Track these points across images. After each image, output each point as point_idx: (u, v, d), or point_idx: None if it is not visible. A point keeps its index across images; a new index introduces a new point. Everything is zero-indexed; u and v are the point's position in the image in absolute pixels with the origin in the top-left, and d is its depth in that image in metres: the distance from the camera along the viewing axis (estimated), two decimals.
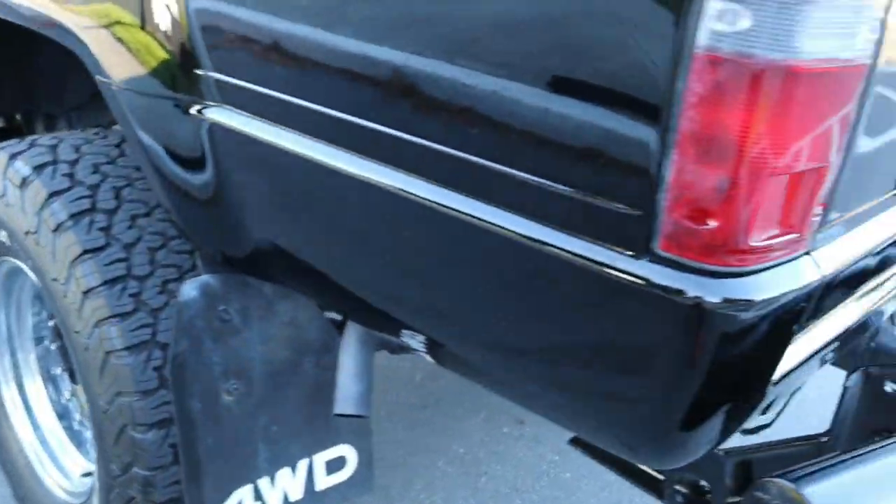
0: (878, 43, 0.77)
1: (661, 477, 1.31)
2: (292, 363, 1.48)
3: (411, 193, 0.98)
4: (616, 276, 0.83)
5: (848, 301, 1.04)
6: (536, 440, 2.47)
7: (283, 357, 1.47)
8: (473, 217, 0.92)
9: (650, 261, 0.81)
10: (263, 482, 1.51)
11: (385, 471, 2.28)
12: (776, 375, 0.94)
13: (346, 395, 1.38)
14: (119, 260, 1.43)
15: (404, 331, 1.17)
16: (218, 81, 1.18)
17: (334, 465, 1.60)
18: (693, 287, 0.79)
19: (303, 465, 1.56)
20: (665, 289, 0.80)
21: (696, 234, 0.78)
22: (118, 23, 1.32)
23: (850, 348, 1.61)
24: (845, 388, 1.06)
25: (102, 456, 1.54)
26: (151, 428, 1.45)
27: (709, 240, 0.78)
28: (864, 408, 1.06)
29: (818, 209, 0.82)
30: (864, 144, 0.89)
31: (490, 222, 0.91)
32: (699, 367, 0.84)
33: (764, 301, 0.81)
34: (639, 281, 0.81)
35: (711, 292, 0.79)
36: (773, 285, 0.81)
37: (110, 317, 1.41)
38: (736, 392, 0.90)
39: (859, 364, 1.62)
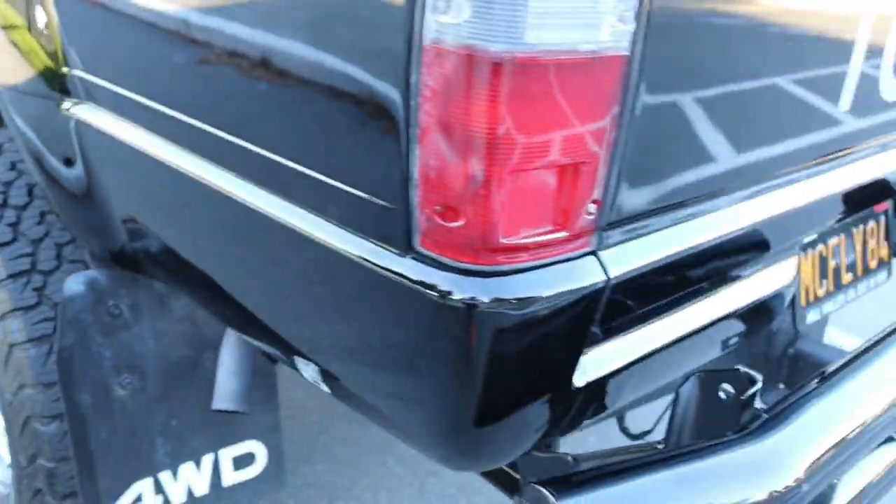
0: (640, 35, 0.74)
1: (516, 476, 1.28)
2: (190, 359, 1.48)
3: (231, 192, 0.98)
4: (386, 275, 0.81)
5: (686, 301, 1.00)
6: None
7: (179, 353, 1.47)
8: (271, 213, 0.92)
9: (413, 258, 0.79)
10: (165, 476, 1.52)
11: (332, 468, 2.28)
12: (591, 377, 0.92)
13: (224, 392, 1.39)
14: (25, 255, 1.46)
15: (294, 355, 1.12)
16: (82, 79, 1.20)
17: (242, 462, 1.60)
18: (454, 286, 0.77)
19: (207, 460, 1.57)
20: (429, 287, 0.78)
21: (448, 232, 0.76)
22: (11, 25, 1.35)
23: (763, 354, 1.57)
24: (677, 393, 1.02)
25: (11, 447, 1.57)
26: (53, 420, 1.47)
27: (461, 237, 0.76)
28: (698, 414, 1.02)
29: (591, 207, 0.79)
30: (672, 139, 0.86)
31: (283, 219, 0.91)
32: (476, 367, 0.81)
33: (532, 300, 0.78)
34: (404, 280, 0.80)
35: (473, 291, 0.77)
36: (542, 284, 0.79)
37: (14, 310, 1.43)
38: (531, 392, 0.88)
39: (774, 371, 1.57)
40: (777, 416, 0.91)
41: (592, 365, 0.91)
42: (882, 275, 1.66)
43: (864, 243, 1.59)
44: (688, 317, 1.01)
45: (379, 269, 0.81)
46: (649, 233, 0.89)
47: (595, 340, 0.89)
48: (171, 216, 1.18)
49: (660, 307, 0.95)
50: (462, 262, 0.77)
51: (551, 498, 0.77)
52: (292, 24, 0.83)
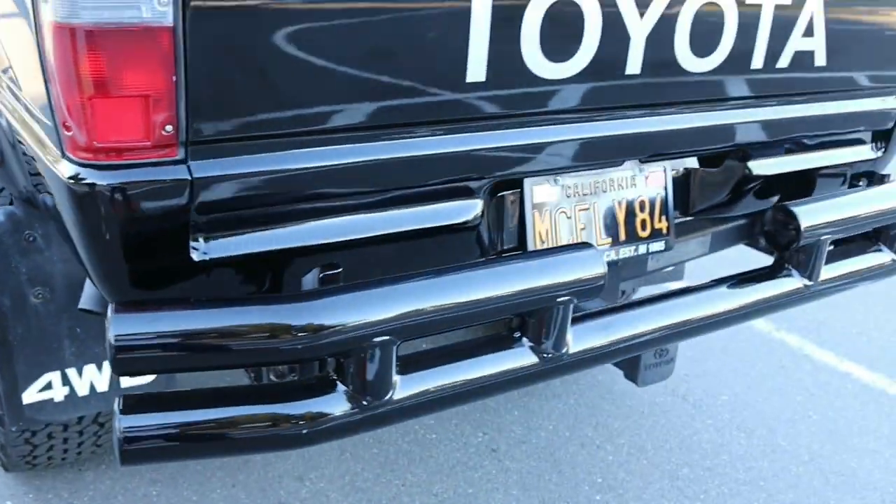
0: (178, 12, 1.15)
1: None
2: None
3: None
4: (59, 175, 1.25)
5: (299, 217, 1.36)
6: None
7: (82, 274, 1.97)
8: None
9: (66, 160, 1.23)
10: (71, 371, 2.01)
11: None
12: (208, 256, 1.29)
13: (87, 293, 1.83)
14: None
15: None
16: None
17: None
18: (81, 174, 1.21)
19: (108, 365, 2.05)
20: (71, 177, 1.22)
21: (70, 140, 1.20)
22: None
23: None
24: None
25: None
26: None
27: (76, 143, 1.19)
28: None
29: (168, 127, 1.20)
30: (237, 89, 1.24)
31: None
32: (102, 229, 1.23)
33: (131, 184, 1.20)
34: (63, 175, 1.23)
35: (92, 178, 1.20)
36: (138, 175, 1.20)
37: None
38: (150, 254, 1.27)
39: None
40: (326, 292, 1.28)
41: (210, 249, 1.31)
42: (657, 245, 1.92)
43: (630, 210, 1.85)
44: (301, 229, 1.37)
45: (56, 172, 1.26)
46: (244, 153, 1.28)
47: (203, 229, 1.29)
48: None
49: (267, 216, 1.33)
50: (81, 159, 1.20)
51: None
52: None
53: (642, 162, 1.85)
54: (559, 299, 1.42)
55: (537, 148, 1.57)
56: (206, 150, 1.25)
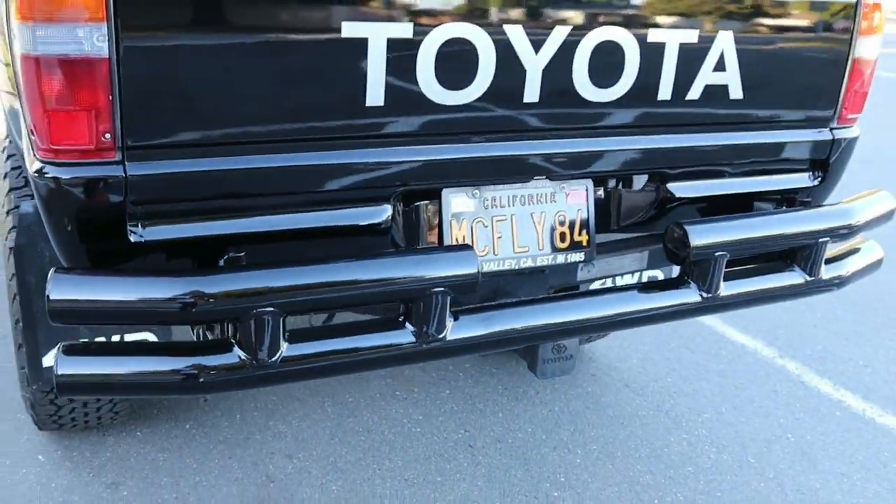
0: (112, 47, 1.49)
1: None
2: None
3: None
4: (33, 172, 1.61)
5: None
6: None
7: None
8: None
9: (37, 159, 1.59)
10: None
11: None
12: (143, 239, 1.62)
13: None
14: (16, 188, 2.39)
15: None
16: None
17: None
18: (44, 169, 1.56)
19: (116, 337, 2.42)
20: (37, 172, 1.58)
21: (34, 142, 1.56)
22: None
23: None
24: None
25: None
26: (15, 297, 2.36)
27: (37, 146, 1.56)
28: None
29: (107, 135, 1.54)
30: (165, 106, 1.57)
31: None
32: (59, 214, 1.58)
33: (78, 179, 1.55)
34: (34, 171, 1.60)
35: (54, 172, 1.56)
36: (84, 171, 1.55)
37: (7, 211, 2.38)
38: (97, 236, 1.61)
39: None
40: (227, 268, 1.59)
41: (150, 232, 1.64)
42: (577, 256, 2.15)
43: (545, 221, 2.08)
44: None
45: (29, 168, 1.62)
46: (170, 157, 1.61)
47: (141, 216, 1.62)
48: None
49: (190, 210, 1.65)
50: (43, 158, 1.56)
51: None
52: None
53: (564, 180, 2.08)
54: (434, 289, 1.69)
55: (439, 163, 1.85)
56: (139, 153, 1.59)
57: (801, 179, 2.37)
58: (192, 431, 2.92)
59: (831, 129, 2.32)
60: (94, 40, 1.48)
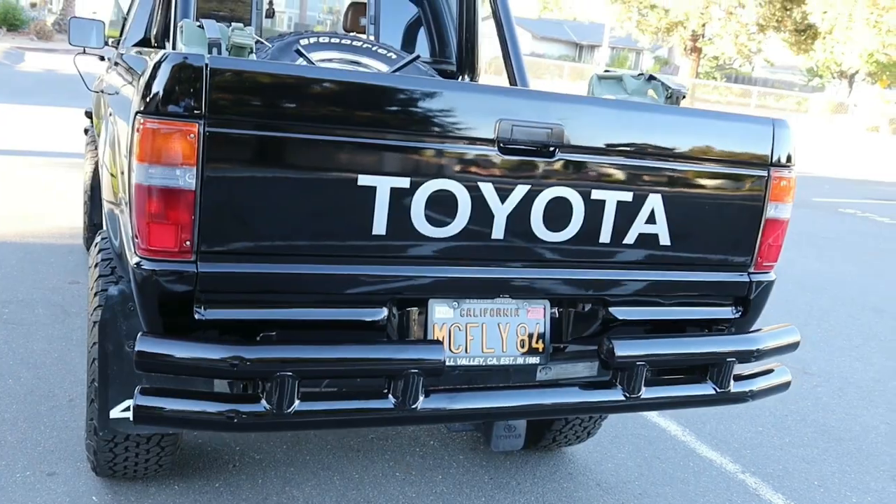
0: (199, 181, 2.18)
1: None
2: None
3: None
4: (131, 265, 2.28)
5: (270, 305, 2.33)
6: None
7: None
8: None
9: (136, 255, 2.26)
10: None
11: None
12: (206, 318, 2.26)
13: None
14: (104, 275, 3.07)
15: None
16: None
17: None
18: (142, 263, 2.23)
19: None
20: (135, 265, 2.25)
21: (137, 243, 2.23)
22: None
23: None
24: None
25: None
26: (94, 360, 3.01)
27: (139, 245, 2.23)
28: None
29: (187, 242, 2.20)
30: (233, 227, 2.24)
31: None
32: (150, 293, 2.24)
33: (165, 271, 2.21)
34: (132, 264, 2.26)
35: (149, 266, 2.22)
36: (168, 265, 2.20)
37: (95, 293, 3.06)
38: (174, 313, 2.26)
39: None
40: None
41: (211, 313, 2.28)
42: (533, 359, 2.72)
43: (513, 331, 2.68)
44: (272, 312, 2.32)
45: (130, 261, 2.29)
46: (231, 261, 2.26)
47: (207, 303, 2.26)
48: None
49: (242, 300, 2.29)
50: (141, 254, 2.23)
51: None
52: None
53: (526, 299, 2.69)
54: (410, 370, 2.29)
55: (426, 280, 2.48)
56: (207, 256, 2.24)
57: (725, 312, 2.94)
58: (221, 489, 3.47)
59: (749, 274, 2.91)
60: (186, 178, 2.17)
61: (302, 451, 3.84)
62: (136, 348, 2.14)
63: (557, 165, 2.52)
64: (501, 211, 2.49)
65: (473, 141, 2.42)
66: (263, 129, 2.20)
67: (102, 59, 5.93)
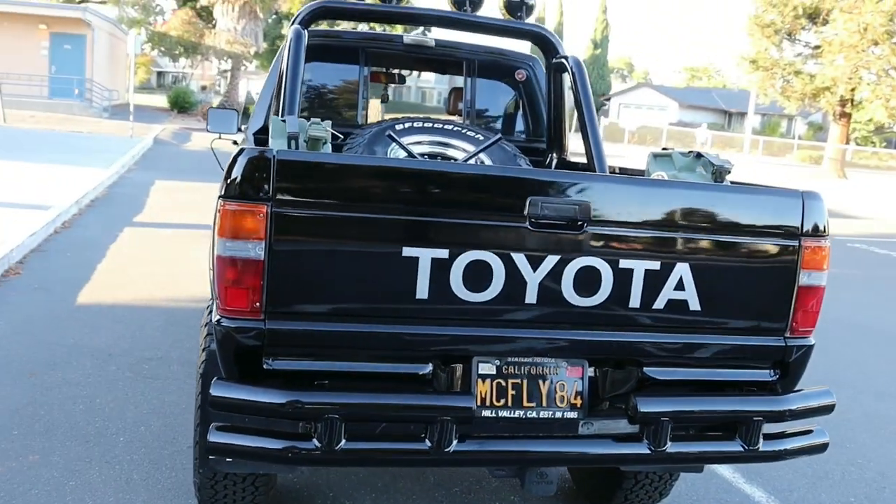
0: (266, 253, 2.62)
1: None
2: None
3: None
4: (213, 323, 2.74)
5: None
6: None
7: None
8: None
9: (218, 313, 2.72)
10: None
11: None
12: (273, 367, 2.68)
13: None
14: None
15: None
16: None
17: None
18: (222, 321, 2.69)
19: None
20: (216, 322, 2.71)
21: (217, 304, 2.69)
22: None
23: None
24: None
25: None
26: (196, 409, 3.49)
27: (219, 305, 2.69)
28: None
29: (256, 304, 2.64)
30: (297, 292, 2.67)
31: None
32: (230, 346, 2.69)
33: (242, 328, 2.65)
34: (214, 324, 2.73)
35: (227, 323, 2.67)
36: (242, 322, 2.65)
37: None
38: (249, 363, 2.68)
39: None
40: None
41: (278, 364, 2.70)
42: (571, 414, 2.97)
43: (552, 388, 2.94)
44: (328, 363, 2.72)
45: (214, 319, 2.75)
46: (293, 319, 2.67)
47: (274, 355, 2.69)
48: None
49: (301, 352, 2.70)
50: (220, 313, 2.69)
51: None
52: None
53: (561, 357, 2.95)
54: (441, 417, 2.61)
55: (464, 338, 2.80)
56: (274, 315, 2.66)
57: (763, 374, 3.08)
58: None
59: (785, 339, 3.05)
60: (256, 250, 2.62)
61: (391, 499, 4.18)
62: (211, 392, 2.58)
63: (585, 238, 2.80)
64: (533, 278, 2.79)
65: (507, 217, 2.75)
66: (320, 209, 2.63)
67: (235, 143, 6.68)
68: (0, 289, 7.56)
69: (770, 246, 2.99)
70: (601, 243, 2.83)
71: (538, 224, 2.76)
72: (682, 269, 2.90)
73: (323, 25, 7.42)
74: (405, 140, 4.49)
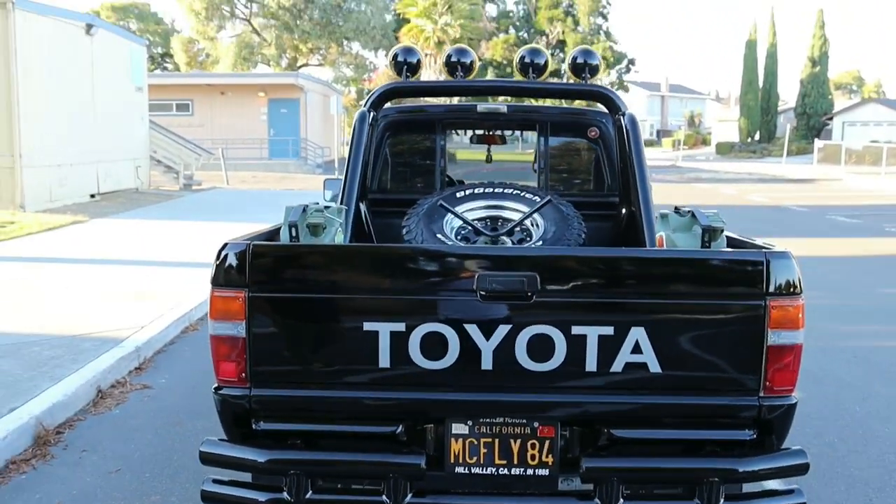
0: (248, 330, 3.07)
1: None
2: None
3: None
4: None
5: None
6: None
7: None
8: None
9: (217, 382, 3.21)
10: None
11: None
12: (262, 428, 3.12)
13: None
14: None
15: None
16: None
17: None
18: (220, 390, 3.17)
19: None
20: (214, 389, 3.19)
21: (216, 375, 3.18)
22: None
23: None
24: None
25: None
26: None
27: (217, 376, 3.17)
28: None
29: (243, 374, 3.09)
30: (278, 361, 3.10)
31: None
32: (230, 412, 3.16)
33: (234, 395, 3.12)
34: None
35: (219, 391, 3.16)
36: (234, 391, 3.12)
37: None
38: (241, 426, 3.14)
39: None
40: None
41: (264, 425, 3.13)
42: (542, 471, 3.15)
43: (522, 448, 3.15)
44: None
45: (212, 388, 3.24)
46: (275, 387, 3.10)
47: (260, 417, 3.12)
48: None
49: (285, 415, 3.11)
50: (217, 383, 3.17)
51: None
52: None
53: (530, 419, 3.15)
54: (392, 474, 2.91)
55: (431, 402, 3.09)
56: (258, 383, 3.11)
57: (741, 434, 3.09)
58: None
59: (759, 398, 3.05)
60: (238, 329, 3.08)
61: None
62: (200, 449, 3.05)
63: (534, 308, 3.01)
64: (487, 346, 3.03)
65: (457, 291, 3.03)
66: (288, 292, 3.05)
67: None
68: (177, 344, 8.63)
69: (733, 306, 3.02)
70: (551, 312, 3.02)
71: (487, 297, 3.01)
72: (638, 333, 3.01)
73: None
74: (460, 208, 4.81)
